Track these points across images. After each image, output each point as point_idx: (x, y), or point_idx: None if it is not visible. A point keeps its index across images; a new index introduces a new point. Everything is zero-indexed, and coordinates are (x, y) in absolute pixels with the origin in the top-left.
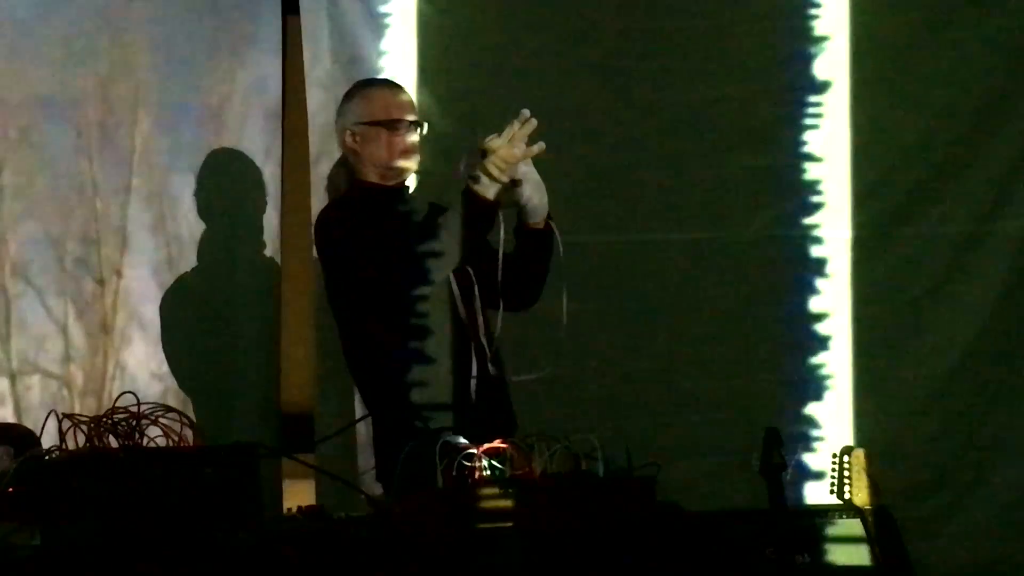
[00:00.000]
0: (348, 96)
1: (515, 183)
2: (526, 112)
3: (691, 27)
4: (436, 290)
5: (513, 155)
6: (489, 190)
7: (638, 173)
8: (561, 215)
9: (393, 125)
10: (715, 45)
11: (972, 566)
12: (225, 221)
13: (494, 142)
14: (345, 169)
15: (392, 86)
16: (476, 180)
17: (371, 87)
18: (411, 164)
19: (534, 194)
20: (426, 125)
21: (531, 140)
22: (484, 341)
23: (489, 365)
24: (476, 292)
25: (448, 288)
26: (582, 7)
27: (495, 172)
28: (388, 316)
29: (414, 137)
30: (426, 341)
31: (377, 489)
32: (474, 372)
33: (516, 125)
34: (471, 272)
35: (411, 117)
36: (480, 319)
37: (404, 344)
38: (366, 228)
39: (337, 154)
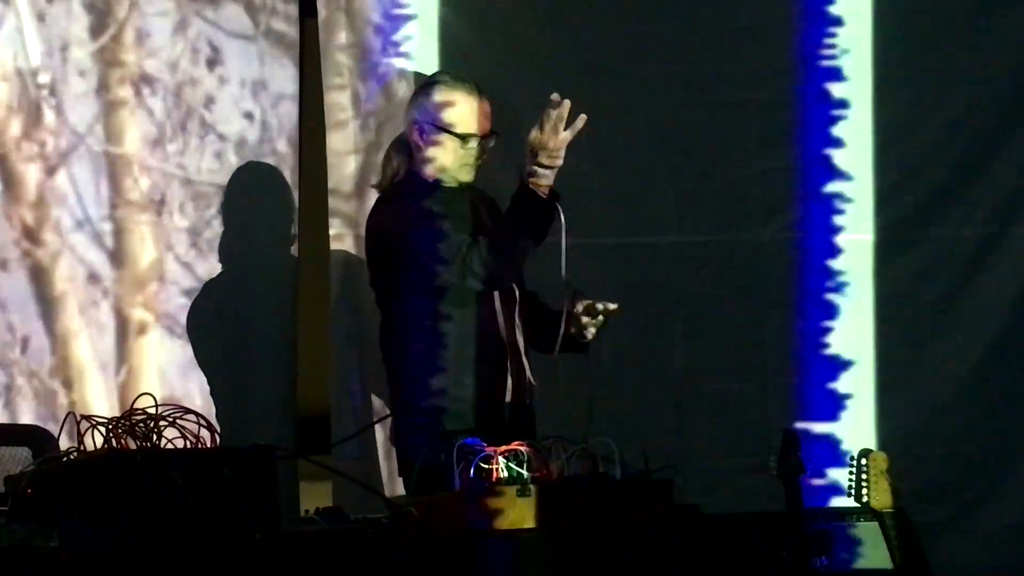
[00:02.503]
0: (427, 91)
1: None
2: (556, 96)
3: (709, 29)
4: (478, 295)
5: (561, 140)
6: (547, 179)
7: (655, 175)
8: (577, 217)
9: (467, 138)
10: (733, 47)
11: (992, 569)
12: (243, 223)
13: (539, 137)
14: (404, 154)
15: (475, 94)
16: (532, 174)
17: (454, 91)
18: (471, 176)
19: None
20: (494, 139)
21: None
22: (520, 348)
23: (528, 374)
24: (517, 298)
25: (492, 297)
26: (600, 10)
27: (548, 161)
28: (428, 315)
29: (481, 151)
30: (461, 343)
31: (398, 485)
32: (508, 392)
33: (552, 113)
34: (515, 287)
35: (486, 131)
36: (518, 328)
37: (439, 345)
38: (417, 226)
39: (353, 152)
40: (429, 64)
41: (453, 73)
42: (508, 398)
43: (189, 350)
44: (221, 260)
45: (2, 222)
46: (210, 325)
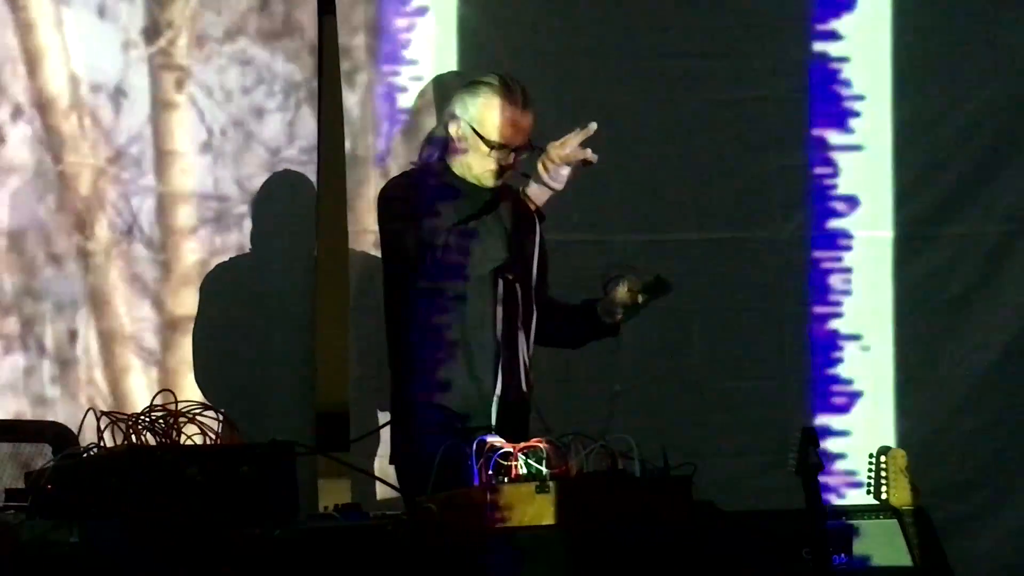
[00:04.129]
0: (473, 90)
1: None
2: (593, 125)
3: (726, 25)
4: (478, 291)
5: (561, 155)
6: (534, 192)
7: (673, 173)
8: (596, 214)
9: (499, 147)
10: (751, 43)
11: (1011, 566)
12: (263, 221)
13: (551, 144)
14: (442, 140)
15: (519, 104)
16: (528, 184)
17: (498, 98)
18: (494, 183)
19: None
20: (528, 152)
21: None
22: (519, 348)
23: (522, 382)
24: (520, 308)
25: (492, 295)
26: (616, 7)
27: (542, 171)
28: (425, 301)
29: (513, 161)
30: (459, 337)
31: (389, 471)
32: (498, 389)
33: (576, 132)
34: (518, 287)
35: (521, 142)
36: (520, 336)
37: (437, 334)
38: (422, 210)
39: (371, 151)
40: (447, 62)
41: (505, 78)
42: (498, 393)
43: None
44: (240, 257)
45: (56, 219)
46: (230, 321)
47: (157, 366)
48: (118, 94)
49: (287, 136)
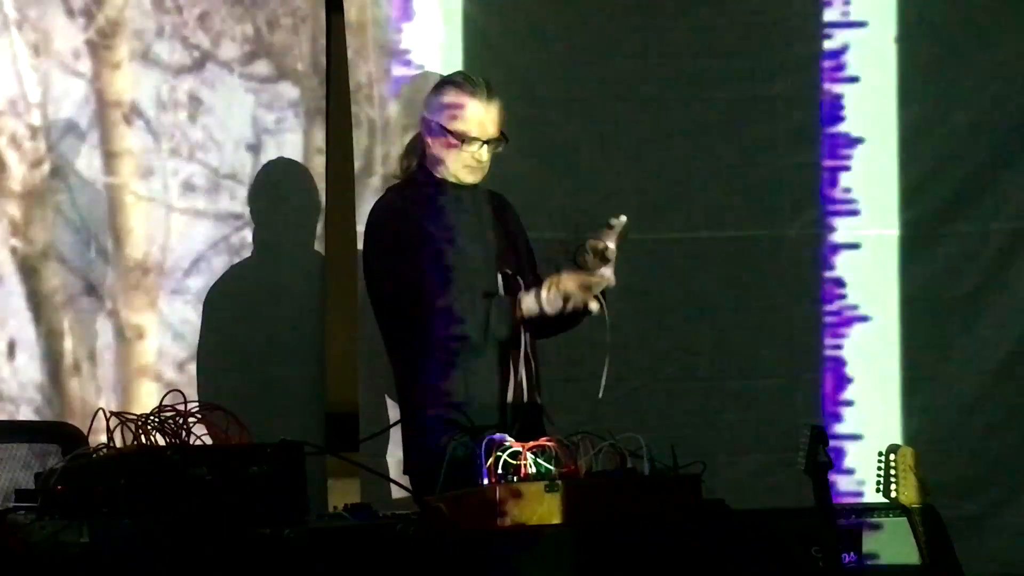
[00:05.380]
0: (438, 90)
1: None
2: (623, 218)
3: (735, 24)
4: (478, 291)
5: (597, 248)
6: (526, 302)
7: (682, 171)
8: (606, 212)
9: (470, 141)
10: (760, 41)
11: (1021, 565)
12: (270, 220)
13: (590, 240)
14: (418, 150)
15: (483, 97)
16: (528, 292)
17: (463, 93)
18: (474, 178)
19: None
20: (502, 143)
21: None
22: (527, 349)
23: (524, 371)
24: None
25: (495, 290)
26: (627, 4)
27: (544, 290)
28: (427, 313)
29: (486, 155)
30: (465, 339)
31: (404, 482)
32: (511, 378)
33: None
34: (520, 280)
35: (491, 135)
36: (522, 327)
37: (443, 339)
38: (415, 221)
39: (378, 150)
40: (454, 61)
41: (467, 75)
42: (509, 398)
43: (183, 354)
44: (249, 257)
45: None
46: (238, 321)
47: (109, 372)
48: (60, 89)
49: (258, 135)
